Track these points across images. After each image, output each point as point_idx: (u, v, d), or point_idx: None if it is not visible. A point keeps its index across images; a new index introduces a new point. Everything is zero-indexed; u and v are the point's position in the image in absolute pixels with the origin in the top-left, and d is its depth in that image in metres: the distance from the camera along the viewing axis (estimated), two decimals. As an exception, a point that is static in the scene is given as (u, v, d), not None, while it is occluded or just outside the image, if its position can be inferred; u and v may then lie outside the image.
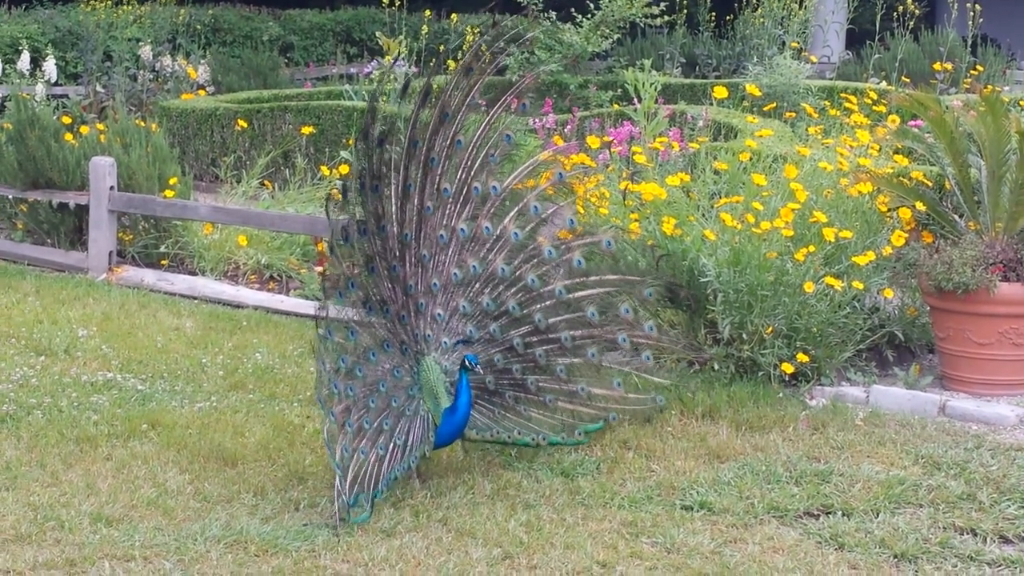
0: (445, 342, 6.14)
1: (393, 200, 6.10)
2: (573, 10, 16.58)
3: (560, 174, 6.62)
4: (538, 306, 6.29)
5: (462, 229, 6.22)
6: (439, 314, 6.14)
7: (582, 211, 7.78)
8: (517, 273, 6.28)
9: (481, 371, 6.06)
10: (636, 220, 8.10)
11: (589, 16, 16.40)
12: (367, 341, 6.11)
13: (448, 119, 6.21)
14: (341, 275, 6.15)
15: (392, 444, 5.86)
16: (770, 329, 7.42)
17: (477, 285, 6.25)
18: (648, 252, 7.60)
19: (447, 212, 6.23)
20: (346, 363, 5.99)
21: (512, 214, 6.34)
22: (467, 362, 5.93)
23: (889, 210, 8.19)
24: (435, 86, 6.25)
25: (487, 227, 6.26)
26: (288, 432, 6.78)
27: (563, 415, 6.46)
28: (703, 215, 8.15)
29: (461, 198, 6.26)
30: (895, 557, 5.45)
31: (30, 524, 5.58)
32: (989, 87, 8.32)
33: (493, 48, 6.47)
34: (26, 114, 11.24)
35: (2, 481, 6.06)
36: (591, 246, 6.58)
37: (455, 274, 6.19)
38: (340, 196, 6.18)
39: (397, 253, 6.09)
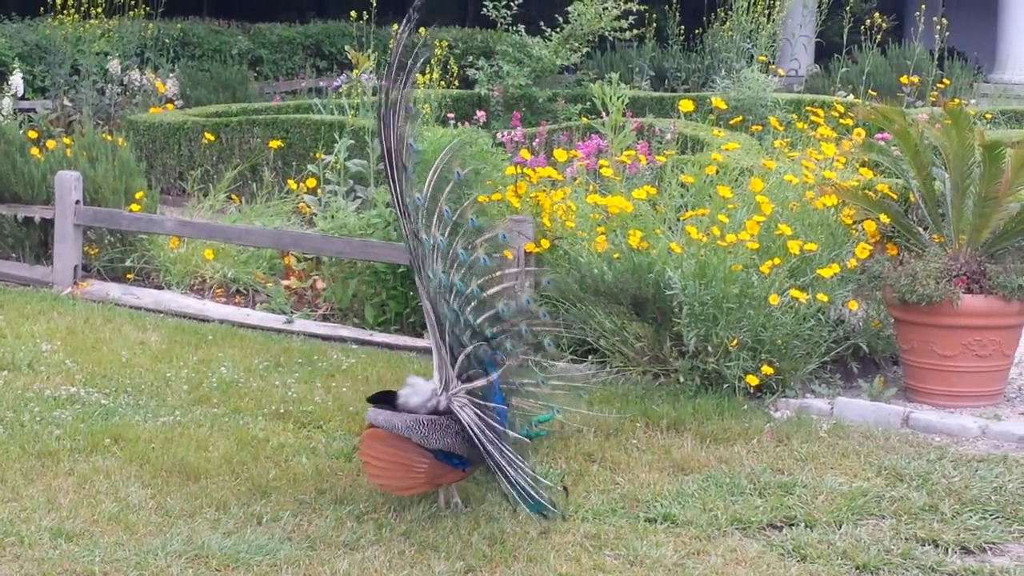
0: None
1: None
2: (542, 24, 16.61)
3: (458, 173, 6.53)
4: (468, 307, 6.28)
5: (418, 241, 6.21)
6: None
7: (519, 206, 7.86)
8: (451, 279, 6.29)
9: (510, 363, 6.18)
10: (603, 233, 8.12)
11: (558, 30, 16.43)
12: None
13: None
14: None
15: None
16: (735, 341, 7.43)
17: (446, 294, 6.26)
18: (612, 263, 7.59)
19: (400, 226, 6.24)
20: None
21: (434, 221, 6.33)
22: (497, 357, 6.02)
23: (854, 223, 8.22)
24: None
25: (425, 238, 6.27)
26: (252, 446, 6.75)
27: (516, 410, 6.36)
28: (669, 228, 8.17)
29: (404, 211, 6.23)
30: (857, 569, 5.45)
31: (-11, 540, 5.54)
32: (955, 100, 8.38)
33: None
34: (-9, 128, 11.19)
35: (-38, 497, 6.01)
36: (490, 241, 6.56)
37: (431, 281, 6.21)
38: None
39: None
